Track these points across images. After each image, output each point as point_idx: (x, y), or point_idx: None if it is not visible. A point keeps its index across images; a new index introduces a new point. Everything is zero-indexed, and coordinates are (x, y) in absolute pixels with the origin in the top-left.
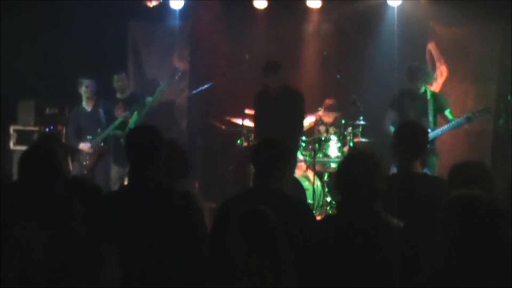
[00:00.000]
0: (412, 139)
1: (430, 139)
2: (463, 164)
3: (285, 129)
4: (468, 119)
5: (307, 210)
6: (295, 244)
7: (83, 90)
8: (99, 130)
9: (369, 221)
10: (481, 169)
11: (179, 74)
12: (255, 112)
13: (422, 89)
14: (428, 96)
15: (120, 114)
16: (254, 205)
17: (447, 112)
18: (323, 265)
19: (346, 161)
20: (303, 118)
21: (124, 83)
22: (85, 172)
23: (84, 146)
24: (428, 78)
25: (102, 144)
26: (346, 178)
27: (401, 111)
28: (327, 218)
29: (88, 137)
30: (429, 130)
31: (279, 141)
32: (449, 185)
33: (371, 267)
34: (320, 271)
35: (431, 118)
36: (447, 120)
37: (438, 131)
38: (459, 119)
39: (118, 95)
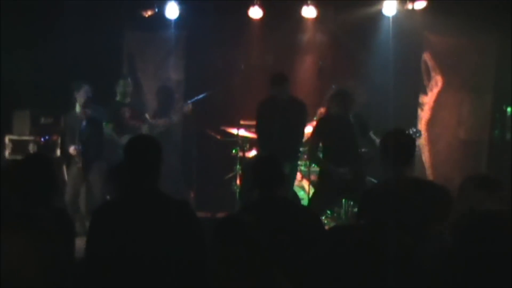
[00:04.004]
0: (402, 145)
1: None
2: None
3: (291, 139)
4: None
5: (316, 216)
6: (306, 249)
7: (80, 94)
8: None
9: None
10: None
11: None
12: (260, 122)
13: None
14: (351, 119)
15: (129, 118)
16: (232, 214)
17: (371, 134)
18: (333, 272)
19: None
20: (305, 129)
21: (129, 88)
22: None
23: (72, 150)
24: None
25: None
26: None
27: (328, 136)
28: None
29: None
30: None
31: (278, 158)
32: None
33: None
34: (329, 278)
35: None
36: (371, 142)
37: None
38: None
39: (120, 99)
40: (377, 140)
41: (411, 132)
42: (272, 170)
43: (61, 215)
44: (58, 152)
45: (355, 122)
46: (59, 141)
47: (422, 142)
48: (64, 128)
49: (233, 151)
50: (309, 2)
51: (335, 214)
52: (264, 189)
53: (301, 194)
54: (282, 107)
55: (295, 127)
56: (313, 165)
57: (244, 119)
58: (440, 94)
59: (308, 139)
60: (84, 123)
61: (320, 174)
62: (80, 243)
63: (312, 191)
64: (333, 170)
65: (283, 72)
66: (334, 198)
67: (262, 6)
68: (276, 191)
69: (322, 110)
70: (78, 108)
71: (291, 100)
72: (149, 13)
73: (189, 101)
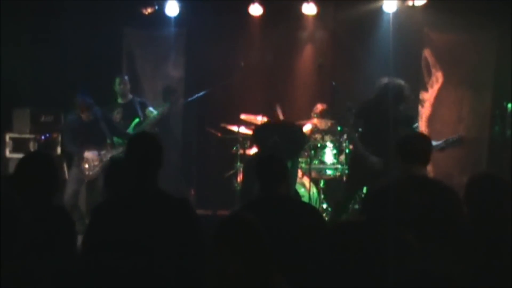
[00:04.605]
0: (420, 148)
1: None
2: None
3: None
4: (442, 149)
5: (317, 212)
6: (309, 246)
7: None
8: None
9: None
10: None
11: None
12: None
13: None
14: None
15: (117, 119)
16: (235, 213)
17: (414, 128)
18: (336, 269)
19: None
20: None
21: (126, 87)
22: (86, 180)
23: (91, 155)
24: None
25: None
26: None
27: (370, 124)
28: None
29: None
30: None
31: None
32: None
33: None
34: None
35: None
36: None
37: None
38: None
39: (119, 100)
40: None
41: (452, 140)
42: (275, 167)
43: (62, 214)
44: (59, 150)
45: (398, 114)
46: (59, 139)
47: None
48: (64, 129)
49: (234, 148)
50: None
51: None
52: (267, 187)
53: (301, 191)
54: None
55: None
56: (314, 162)
57: (245, 114)
58: (440, 91)
59: (309, 136)
60: (85, 124)
61: (351, 161)
62: (80, 241)
63: (312, 188)
64: (367, 156)
65: None
66: (361, 185)
67: (262, 3)
68: (278, 188)
69: (319, 106)
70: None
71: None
72: (149, 10)
73: (188, 99)
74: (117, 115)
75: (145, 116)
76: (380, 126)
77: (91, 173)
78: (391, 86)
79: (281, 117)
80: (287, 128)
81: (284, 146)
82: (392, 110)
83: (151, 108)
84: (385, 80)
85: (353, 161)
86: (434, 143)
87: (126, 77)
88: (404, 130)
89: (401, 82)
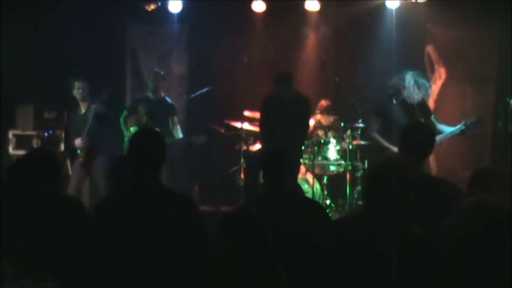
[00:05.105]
0: (420, 139)
1: None
2: (483, 171)
3: (295, 133)
4: (462, 132)
5: (322, 208)
6: (313, 242)
7: (75, 92)
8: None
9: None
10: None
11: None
12: (265, 117)
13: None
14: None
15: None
16: (240, 209)
17: (431, 118)
18: (341, 264)
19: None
20: (309, 123)
21: (159, 83)
22: (87, 176)
23: (76, 141)
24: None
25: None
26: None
27: (388, 118)
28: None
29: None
30: None
31: (287, 150)
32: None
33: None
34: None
35: None
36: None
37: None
38: (452, 131)
39: (150, 95)
40: (438, 125)
41: (470, 122)
42: (282, 163)
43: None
44: (62, 147)
45: (415, 106)
46: (62, 135)
47: None
48: (68, 124)
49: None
50: None
51: (339, 208)
52: (273, 182)
53: (305, 187)
54: (286, 103)
55: (299, 121)
56: (317, 158)
57: (249, 111)
58: (443, 87)
59: (312, 132)
60: (91, 117)
61: (375, 154)
62: None
63: (316, 184)
64: (388, 148)
65: (288, 72)
66: None
67: None
68: (284, 183)
69: (323, 102)
70: (81, 105)
71: (296, 96)
72: (152, 7)
73: (192, 95)
74: (142, 110)
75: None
76: (398, 116)
77: (81, 159)
78: (408, 77)
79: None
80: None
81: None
82: (410, 101)
83: (178, 128)
84: (403, 71)
85: (376, 155)
86: (451, 128)
87: (162, 72)
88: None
89: (419, 72)
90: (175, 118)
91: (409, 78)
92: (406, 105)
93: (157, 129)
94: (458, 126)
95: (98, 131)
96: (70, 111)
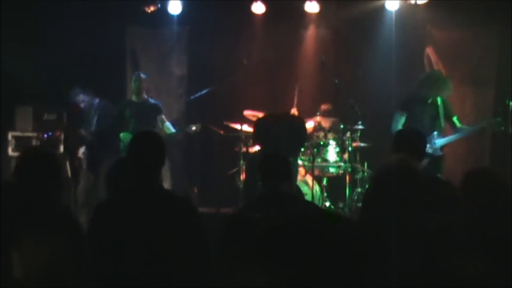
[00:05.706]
0: (412, 143)
1: (442, 145)
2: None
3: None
4: (482, 130)
5: (321, 212)
6: (311, 245)
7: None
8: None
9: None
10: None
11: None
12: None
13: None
14: (439, 102)
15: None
16: (240, 211)
17: (454, 119)
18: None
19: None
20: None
21: (141, 84)
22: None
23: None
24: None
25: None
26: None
27: (413, 115)
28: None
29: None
30: (438, 135)
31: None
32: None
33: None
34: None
35: (442, 124)
36: (453, 127)
37: (451, 137)
38: (472, 129)
39: (133, 97)
40: (459, 125)
41: (493, 121)
42: (279, 165)
43: (66, 214)
44: (61, 148)
45: (436, 105)
46: (62, 137)
47: None
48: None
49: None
50: None
51: (338, 210)
52: (270, 184)
53: (304, 189)
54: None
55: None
56: (317, 160)
57: (248, 110)
58: None
59: (312, 134)
60: (95, 119)
61: None
62: None
63: (315, 186)
64: None
65: None
66: None
67: (264, 1)
68: (282, 186)
69: (323, 106)
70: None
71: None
72: (152, 8)
73: (191, 97)
74: (127, 113)
75: (154, 121)
76: (424, 113)
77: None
78: (431, 78)
79: (295, 102)
80: (289, 123)
81: (285, 141)
82: (433, 100)
83: (168, 124)
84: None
85: None
86: (469, 127)
87: (142, 75)
88: (446, 121)
89: (440, 72)
90: (163, 116)
91: (436, 76)
92: (431, 103)
93: None
94: (479, 125)
95: (101, 132)
96: (69, 114)
